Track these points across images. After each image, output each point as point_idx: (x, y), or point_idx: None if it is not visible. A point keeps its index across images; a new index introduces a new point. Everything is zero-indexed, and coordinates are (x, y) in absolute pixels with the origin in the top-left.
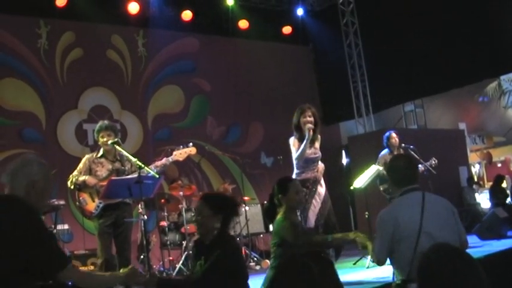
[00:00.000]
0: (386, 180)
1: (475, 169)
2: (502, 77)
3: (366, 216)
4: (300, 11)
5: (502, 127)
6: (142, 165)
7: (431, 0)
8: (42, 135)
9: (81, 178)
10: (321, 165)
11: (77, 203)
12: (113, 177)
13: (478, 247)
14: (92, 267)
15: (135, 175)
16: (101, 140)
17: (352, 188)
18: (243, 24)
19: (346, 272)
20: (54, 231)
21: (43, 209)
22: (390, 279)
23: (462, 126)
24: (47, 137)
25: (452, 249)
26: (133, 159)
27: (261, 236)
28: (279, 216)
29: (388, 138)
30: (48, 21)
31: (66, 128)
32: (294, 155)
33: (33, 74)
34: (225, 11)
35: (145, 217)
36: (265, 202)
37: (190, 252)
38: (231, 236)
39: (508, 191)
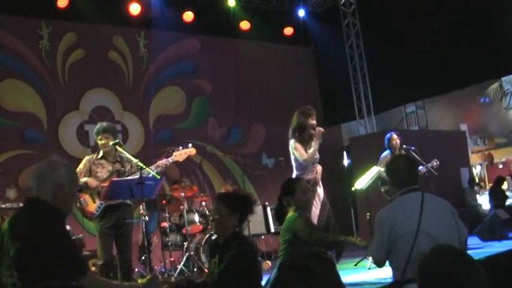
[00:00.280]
0: (387, 182)
1: (477, 170)
2: (503, 78)
3: (367, 217)
4: (301, 12)
5: (504, 128)
6: (144, 166)
7: (432, 1)
8: (44, 136)
9: (83, 180)
10: (319, 167)
11: (78, 204)
12: (115, 178)
13: (479, 248)
14: (93, 268)
15: (136, 176)
16: (99, 142)
17: (353, 189)
18: (245, 25)
19: (347, 273)
20: None
21: (68, 213)
22: (391, 280)
23: (463, 127)
24: (48, 138)
25: (452, 250)
26: (135, 160)
27: (262, 237)
28: (291, 213)
29: (389, 139)
30: (49, 22)
31: (68, 129)
32: (300, 157)
33: (34, 74)
34: (227, 12)
35: (147, 218)
36: (266, 203)
37: (192, 253)
38: (245, 236)
39: (508, 193)
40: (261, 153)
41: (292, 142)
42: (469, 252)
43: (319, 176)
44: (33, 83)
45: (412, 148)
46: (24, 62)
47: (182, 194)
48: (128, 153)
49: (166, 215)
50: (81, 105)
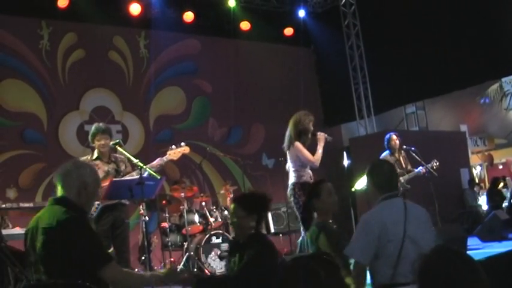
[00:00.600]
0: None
1: (476, 171)
2: (503, 79)
3: None
4: (301, 13)
5: (503, 129)
6: (144, 166)
7: (432, 1)
8: (44, 136)
9: None
10: (311, 172)
11: None
12: (114, 179)
13: (479, 249)
14: None
15: (136, 176)
16: (98, 143)
17: (353, 189)
18: (245, 25)
19: None
20: None
21: (90, 210)
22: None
23: (463, 128)
24: (49, 138)
25: (453, 251)
26: (135, 160)
27: None
28: (312, 227)
29: (389, 140)
30: (50, 22)
31: (68, 129)
32: (307, 159)
33: (34, 75)
34: (227, 12)
35: (147, 218)
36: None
37: (192, 253)
38: (265, 235)
39: (508, 193)
40: (261, 154)
41: (298, 144)
42: (469, 253)
43: (311, 180)
44: (33, 83)
45: (412, 149)
46: (25, 62)
47: (182, 194)
48: (128, 153)
49: (166, 215)
50: (81, 105)
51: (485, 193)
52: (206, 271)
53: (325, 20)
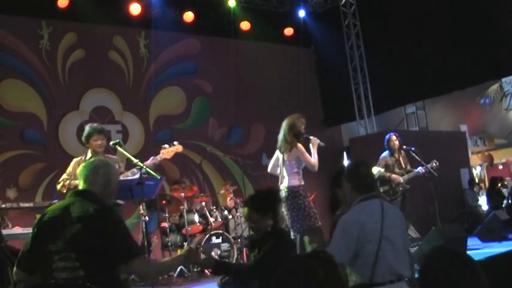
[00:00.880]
0: (387, 182)
1: (477, 171)
2: (503, 79)
3: None
4: (301, 13)
5: (503, 129)
6: (144, 166)
7: (432, 1)
8: (44, 136)
9: (74, 182)
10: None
11: None
12: None
13: (479, 249)
14: None
15: (131, 176)
16: (95, 143)
17: None
18: (245, 25)
19: None
20: None
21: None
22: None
23: (463, 128)
24: (49, 138)
25: (453, 252)
26: (135, 160)
27: None
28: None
29: (388, 140)
30: (50, 22)
31: (68, 129)
32: (308, 161)
33: (34, 74)
34: (227, 12)
35: (147, 218)
36: None
37: None
38: (283, 229)
39: (504, 191)
40: (261, 154)
41: (301, 147)
42: (469, 253)
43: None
44: (33, 83)
45: (412, 149)
46: (25, 62)
47: (182, 194)
48: (128, 153)
49: (166, 215)
50: (81, 105)
51: (485, 193)
52: (206, 271)
53: (325, 20)
